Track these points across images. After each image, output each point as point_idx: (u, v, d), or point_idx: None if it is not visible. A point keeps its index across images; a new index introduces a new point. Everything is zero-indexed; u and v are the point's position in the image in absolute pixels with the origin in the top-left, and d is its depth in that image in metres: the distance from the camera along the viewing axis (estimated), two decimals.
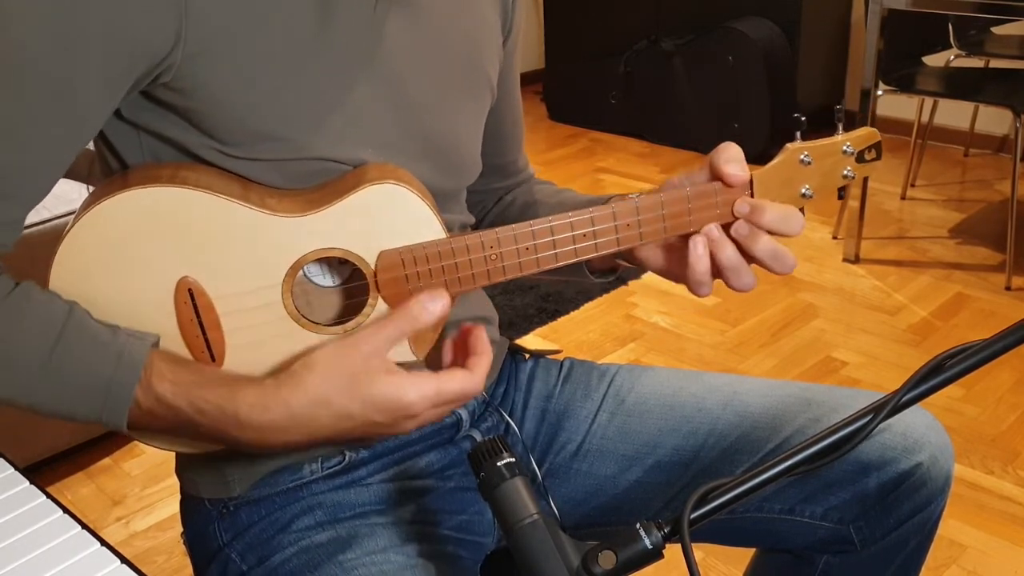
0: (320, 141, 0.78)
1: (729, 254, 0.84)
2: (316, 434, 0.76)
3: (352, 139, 0.80)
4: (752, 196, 0.86)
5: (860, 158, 0.90)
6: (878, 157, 0.91)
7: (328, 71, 0.78)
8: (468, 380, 0.78)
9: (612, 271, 0.97)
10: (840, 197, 0.93)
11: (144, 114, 0.77)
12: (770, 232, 0.84)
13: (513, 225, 0.81)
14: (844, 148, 0.89)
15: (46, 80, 0.69)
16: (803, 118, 0.89)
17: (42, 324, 0.73)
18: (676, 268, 0.89)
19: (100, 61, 0.70)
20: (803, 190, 0.89)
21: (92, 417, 0.75)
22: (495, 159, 1.03)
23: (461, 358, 0.81)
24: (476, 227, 1.05)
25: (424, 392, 0.75)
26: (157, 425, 0.76)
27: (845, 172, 0.90)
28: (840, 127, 0.90)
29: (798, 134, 0.88)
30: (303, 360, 0.76)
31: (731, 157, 0.85)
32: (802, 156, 0.87)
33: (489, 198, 1.08)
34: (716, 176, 0.85)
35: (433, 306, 0.77)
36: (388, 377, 0.75)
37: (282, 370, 0.77)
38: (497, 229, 0.81)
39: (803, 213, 0.90)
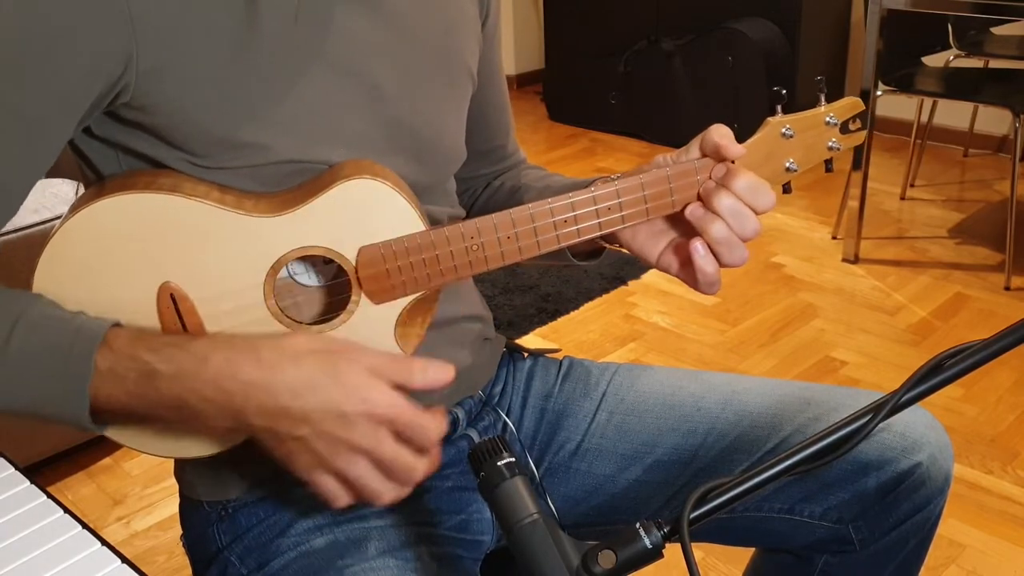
0: (289, 143, 0.78)
1: (719, 228, 0.82)
2: (277, 391, 0.69)
3: (321, 138, 0.80)
4: None
5: (844, 128, 0.89)
6: (863, 127, 0.90)
7: (285, 70, 0.77)
8: (428, 417, 0.73)
9: (596, 254, 0.96)
10: (828, 170, 0.92)
11: (115, 132, 0.77)
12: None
13: (493, 214, 0.80)
14: (827, 119, 0.88)
15: (0, 108, 0.69)
16: (784, 91, 0.88)
17: (2, 307, 0.72)
18: (674, 264, 0.88)
19: (53, 87, 0.70)
20: (787, 164, 0.88)
21: (56, 395, 0.71)
22: (481, 145, 1.02)
23: None
24: (467, 214, 1.05)
25: (402, 401, 0.71)
26: (119, 394, 0.71)
27: (830, 144, 0.89)
28: (823, 98, 0.89)
29: (779, 108, 0.87)
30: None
31: (724, 134, 0.84)
32: (783, 129, 0.87)
33: (478, 184, 1.07)
34: (709, 151, 0.84)
35: (435, 374, 0.74)
36: (367, 373, 0.71)
37: None
38: (477, 219, 0.80)
39: (790, 187, 0.89)
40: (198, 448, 0.81)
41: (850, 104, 0.89)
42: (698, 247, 0.82)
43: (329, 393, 0.70)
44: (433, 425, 0.73)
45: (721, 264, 0.83)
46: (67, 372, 0.71)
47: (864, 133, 0.90)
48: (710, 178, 0.83)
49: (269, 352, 0.71)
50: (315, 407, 0.70)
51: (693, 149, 0.86)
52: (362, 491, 0.73)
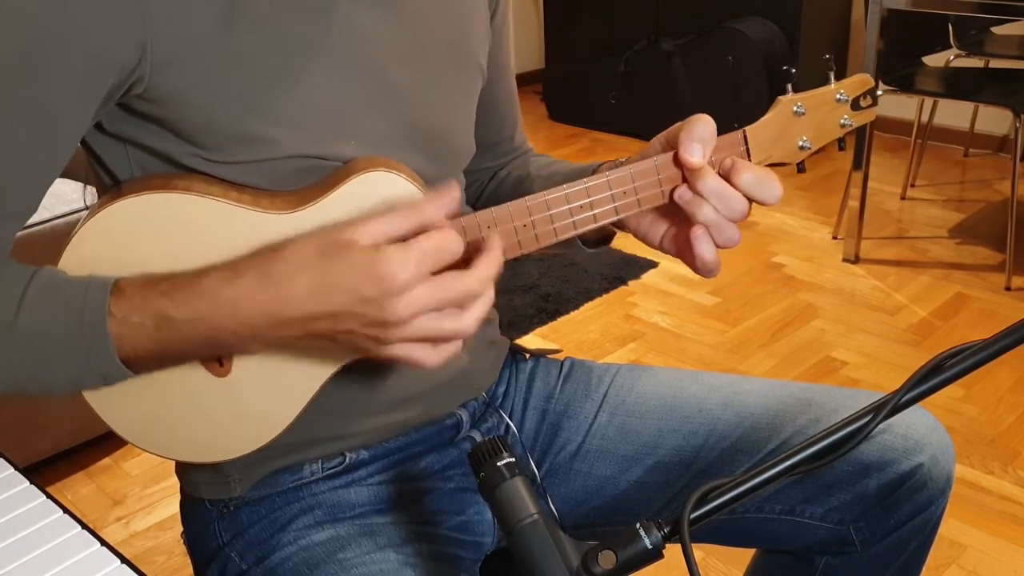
0: (298, 138, 0.78)
1: (707, 211, 0.81)
2: (296, 305, 0.70)
3: (331, 133, 0.79)
4: (747, 151, 0.85)
5: (855, 105, 0.90)
6: (874, 103, 0.91)
7: (295, 65, 0.77)
8: (468, 274, 0.72)
9: (606, 240, 0.95)
10: (841, 148, 0.93)
11: (126, 127, 0.77)
12: (746, 196, 0.82)
13: (508, 204, 0.80)
14: (838, 96, 0.89)
15: (16, 101, 0.69)
16: (793, 69, 0.89)
17: (9, 282, 0.72)
18: (674, 247, 0.87)
19: (68, 78, 0.70)
20: (800, 142, 0.88)
21: (78, 355, 0.71)
22: (489, 138, 1.02)
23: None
24: (473, 206, 1.04)
25: (405, 257, 0.68)
26: (141, 342, 0.71)
27: (842, 121, 0.89)
28: (832, 76, 0.89)
29: (789, 86, 0.88)
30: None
31: (696, 135, 0.81)
32: (795, 107, 0.87)
33: (484, 176, 1.07)
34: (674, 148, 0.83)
35: (442, 198, 0.73)
36: (368, 249, 0.69)
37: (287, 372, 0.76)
38: (492, 209, 0.80)
39: (804, 165, 0.89)
40: (218, 452, 0.82)
41: (860, 81, 0.90)
42: (697, 231, 0.82)
43: (347, 285, 0.69)
44: (448, 238, 0.71)
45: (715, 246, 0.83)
46: (83, 328, 0.70)
47: (875, 110, 0.91)
48: (719, 172, 0.83)
49: (276, 269, 0.70)
50: (340, 303, 0.70)
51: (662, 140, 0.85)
52: (440, 338, 0.72)
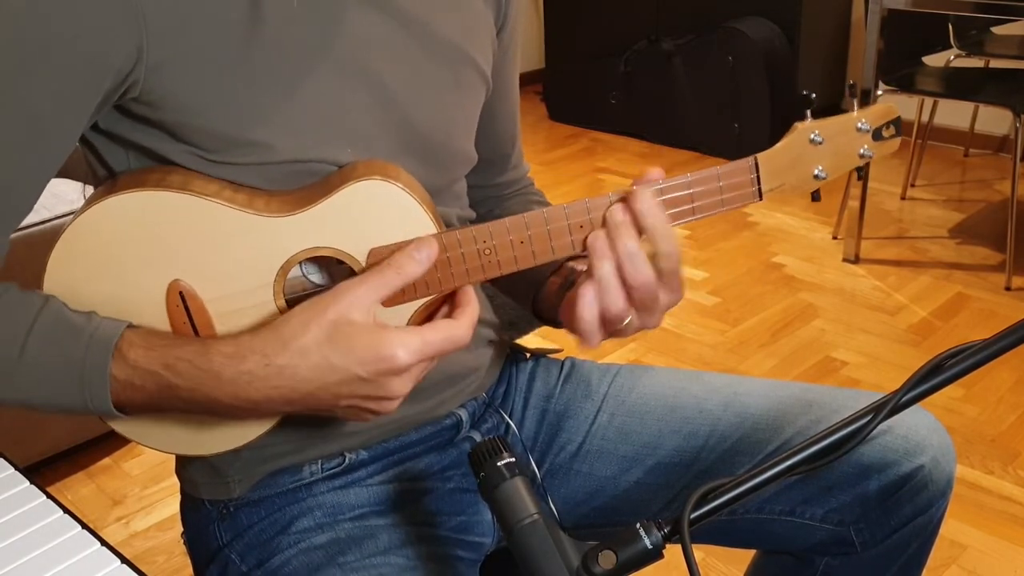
0: (294, 143, 0.77)
1: (606, 269, 0.78)
2: (298, 388, 0.72)
3: (327, 139, 0.79)
4: (758, 179, 0.82)
5: (877, 135, 0.84)
6: (897, 134, 0.85)
7: (285, 70, 0.76)
8: (454, 328, 0.75)
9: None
10: (859, 178, 0.89)
11: (123, 128, 0.77)
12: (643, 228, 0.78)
13: (506, 218, 0.79)
14: (858, 125, 0.84)
15: (9, 103, 0.69)
16: (813, 95, 0.83)
17: (15, 315, 0.73)
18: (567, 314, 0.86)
19: (63, 82, 0.70)
20: (816, 171, 0.83)
21: (77, 402, 0.73)
22: (486, 154, 1.00)
23: (448, 312, 0.80)
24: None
25: (408, 343, 0.72)
26: (140, 399, 0.74)
27: (862, 151, 0.84)
28: (855, 103, 0.84)
29: (808, 112, 0.83)
30: (284, 314, 0.74)
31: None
32: (812, 135, 0.82)
33: (477, 194, 1.05)
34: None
35: (420, 255, 0.75)
36: (370, 329, 0.72)
37: None
38: (489, 223, 0.79)
39: (819, 194, 0.86)
40: (217, 443, 0.82)
41: (884, 110, 0.85)
42: (586, 291, 0.79)
43: (350, 368, 0.72)
44: (455, 332, 0.76)
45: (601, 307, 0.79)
46: (84, 375, 0.72)
47: (898, 140, 0.86)
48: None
49: (277, 353, 0.72)
50: (339, 383, 0.72)
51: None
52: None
